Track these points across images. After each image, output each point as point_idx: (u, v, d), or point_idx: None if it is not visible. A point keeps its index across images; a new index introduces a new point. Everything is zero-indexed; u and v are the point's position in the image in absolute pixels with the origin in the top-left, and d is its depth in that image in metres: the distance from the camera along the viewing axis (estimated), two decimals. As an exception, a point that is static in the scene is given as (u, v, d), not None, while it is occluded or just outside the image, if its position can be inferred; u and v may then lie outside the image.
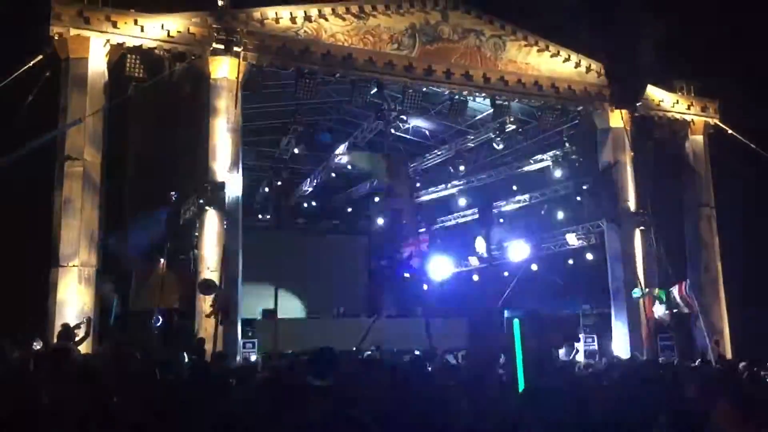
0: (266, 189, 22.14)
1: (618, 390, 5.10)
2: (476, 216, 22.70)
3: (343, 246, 24.03)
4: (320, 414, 3.71)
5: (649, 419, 3.97)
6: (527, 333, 6.28)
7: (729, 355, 15.80)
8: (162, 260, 11.04)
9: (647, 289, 16.10)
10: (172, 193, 14.03)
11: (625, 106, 16.61)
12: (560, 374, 6.48)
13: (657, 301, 15.57)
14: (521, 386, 5.12)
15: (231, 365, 9.65)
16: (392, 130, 18.69)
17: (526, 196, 21.28)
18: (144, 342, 10.99)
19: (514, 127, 17.90)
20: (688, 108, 18.11)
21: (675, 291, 15.55)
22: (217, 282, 12.10)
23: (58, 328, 11.37)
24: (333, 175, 21.93)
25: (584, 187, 18.95)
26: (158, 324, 11.31)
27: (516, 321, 5.58)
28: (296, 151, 19.77)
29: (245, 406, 4.66)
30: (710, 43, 17.45)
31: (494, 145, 18.99)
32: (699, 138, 18.30)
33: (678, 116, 18.04)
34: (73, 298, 12.20)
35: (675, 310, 15.43)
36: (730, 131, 17.77)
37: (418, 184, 23.50)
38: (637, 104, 16.85)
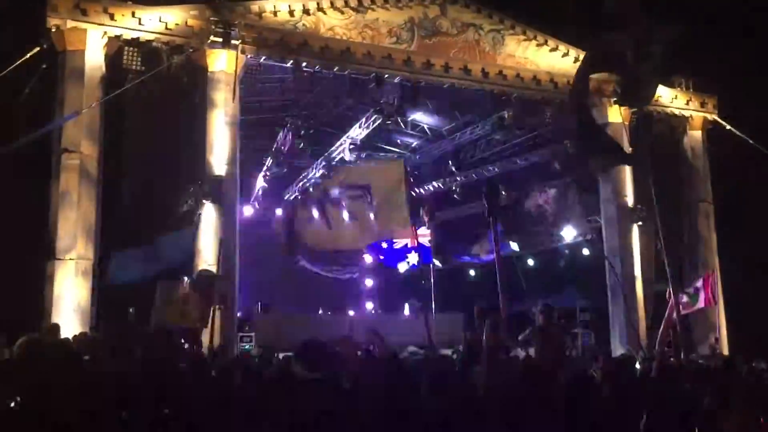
0: (264, 182, 22.06)
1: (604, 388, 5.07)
2: (473, 210, 22.68)
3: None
4: (306, 406, 3.69)
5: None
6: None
7: (726, 352, 15.81)
8: (186, 279, 10.96)
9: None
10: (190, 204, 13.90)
11: (635, 106, 16.49)
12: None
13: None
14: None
15: (228, 358, 9.63)
16: (390, 125, 18.61)
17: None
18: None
19: (512, 121, 17.88)
20: (687, 103, 18.09)
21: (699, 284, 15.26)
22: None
23: (54, 320, 11.35)
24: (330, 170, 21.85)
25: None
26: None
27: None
28: (295, 145, 19.69)
29: (228, 398, 4.62)
30: (709, 38, 17.41)
31: (493, 138, 18.98)
32: (697, 134, 18.29)
33: (676, 112, 18.02)
34: (70, 291, 12.15)
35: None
36: (728, 127, 17.77)
37: (412, 179, 23.35)
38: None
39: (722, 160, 17.94)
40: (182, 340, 10.12)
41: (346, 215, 9.72)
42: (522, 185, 21.23)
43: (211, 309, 10.16)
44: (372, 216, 9.63)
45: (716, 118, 18.21)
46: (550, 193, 20.76)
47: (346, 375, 4.95)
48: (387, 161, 10.24)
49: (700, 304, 14.60)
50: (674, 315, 13.14)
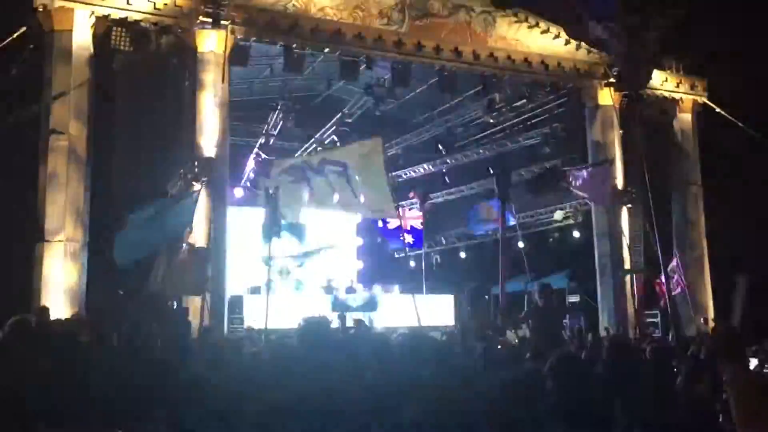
0: (253, 165, 21.97)
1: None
2: (463, 192, 22.80)
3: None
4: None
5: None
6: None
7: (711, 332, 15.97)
8: (185, 246, 10.97)
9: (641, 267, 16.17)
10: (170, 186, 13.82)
11: (629, 89, 16.52)
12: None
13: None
14: None
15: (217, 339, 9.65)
16: (380, 107, 18.55)
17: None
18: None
19: (503, 104, 17.89)
20: (677, 86, 18.12)
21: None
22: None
23: (44, 302, 11.34)
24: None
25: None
26: (175, 308, 11.23)
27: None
28: (285, 127, 19.63)
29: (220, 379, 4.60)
30: (699, 21, 17.40)
31: (484, 121, 18.99)
32: (687, 116, 18.34)
33: (667, 94, 18.05)
34: (59, 273, 12.13)
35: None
36: (718, 110, 17.83)
37: (401, 161, 23.25)
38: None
39: (712, 142, 18.02)
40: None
41: (329, 188, 9.66)
42: (512, 167, 21.25)
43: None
44: (353, 192, 9.58)
45: (706, 100, 18.26)
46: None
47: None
48: (365, 141, 10.14)
49: (676, 290, 14.87)
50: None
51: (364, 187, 9.33)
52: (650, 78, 16.79)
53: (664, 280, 14.66)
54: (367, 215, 12.73)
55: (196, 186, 12.64)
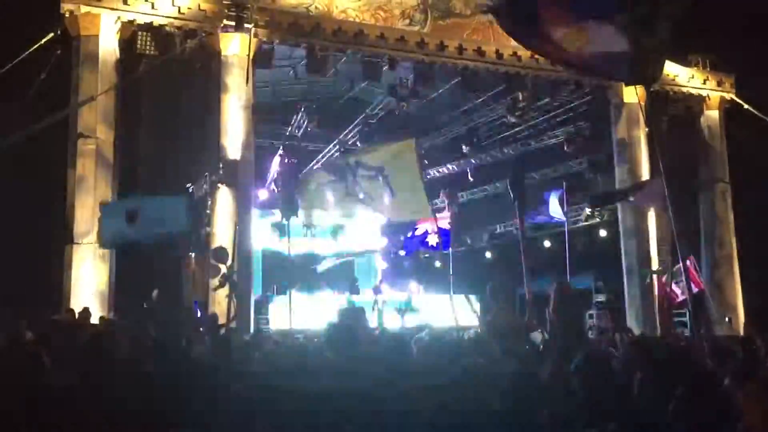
0: (278, 166, 22.07)
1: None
2: (486, 192, 22.69)
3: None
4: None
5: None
6: None
7: (742, 332, 15.73)
8: (191, 254, 11.02)
9: (659, 268, 15.98)
10: (189, 185, 13.94)
11: (642, 85, 16.30)
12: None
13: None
14: None
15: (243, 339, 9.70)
16: (404, 107, 18.53)
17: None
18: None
19: (526, 103, 17.77)
20: (704, 83, 17.89)
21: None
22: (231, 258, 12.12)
23: (74, 304, 11.50)
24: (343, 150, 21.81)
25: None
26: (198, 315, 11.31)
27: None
28: (308, 129, 19.70)
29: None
30: (726, 15, 17.17)
31: (507, 120, 18.88)
32: (714, 113, 18.11)
33: (693, 91, 17.83)
34: (88, 275, 12.30)
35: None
36: (746, 106, 17.57)
37: (426, 161, 23.21)
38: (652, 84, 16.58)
39: (739, 139, 17.76)
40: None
41: (361, 194, 9.61)
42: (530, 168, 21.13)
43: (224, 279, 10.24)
44: (387, 199, 9.52)
45: (733, 97, 18.00)
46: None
47: None
48: (398, 142, 10.02)
49: (680, 297, 14.59)
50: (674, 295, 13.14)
51: (398, 189, 9.26)
52: (662, 72, 16.55)
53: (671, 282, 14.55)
54: (403, 218, 12.64)
55: (221, 188, 12.74)
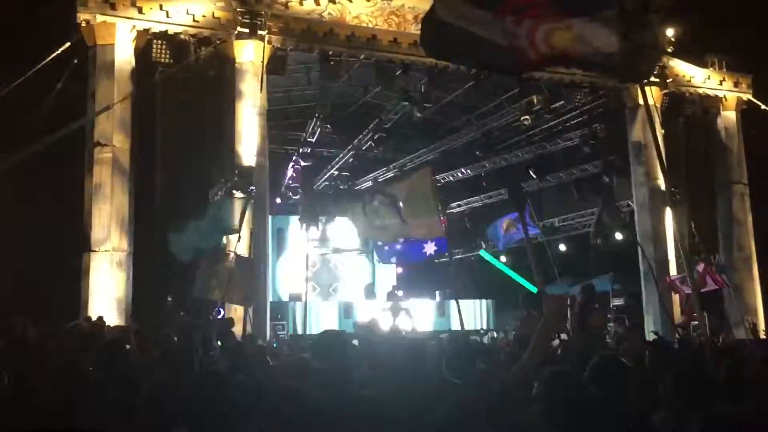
0: (292, 172, 22.14)
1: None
2: (491, 199, 22.62)
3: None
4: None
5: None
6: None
7: (763, 335, 15.56)
8: (231, 254, 11.04)
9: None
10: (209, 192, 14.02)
11: (634, 82, 16.18)
12: None
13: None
14: None
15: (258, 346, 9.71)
16: (417, 112, 18.52)
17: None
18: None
19: (541, 105, 17.69)
20: (720, 84, 17.75)
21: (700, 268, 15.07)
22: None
23: (92, 312, 11.55)
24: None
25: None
26: (219, 316, 11.35)
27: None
28: (323, 133, 19.77)
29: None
30: (742, 16, 17.06)
31: (522, 123, 18.80)
32: (731, 114, 17.95)
33: (710, 92, 17.68)
34: (106, 283, 12.36)
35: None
36: (763, 107, 17.41)
37: (439, 166, 23.17)
38: (649, 81, 16.42)
39: (757, 140, 17.61)
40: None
41: (375, 213, 9.85)
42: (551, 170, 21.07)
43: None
44: (399, 220, 9.71)
45: (750, 97, 17.85)
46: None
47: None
48: (414, 171, 10.26)
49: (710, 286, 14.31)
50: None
51: (410, 215, 9.45)
52: (654, 67, 16.40)
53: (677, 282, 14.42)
54: (415, 236, 12.68)
55: (238, 194, 12.76)
